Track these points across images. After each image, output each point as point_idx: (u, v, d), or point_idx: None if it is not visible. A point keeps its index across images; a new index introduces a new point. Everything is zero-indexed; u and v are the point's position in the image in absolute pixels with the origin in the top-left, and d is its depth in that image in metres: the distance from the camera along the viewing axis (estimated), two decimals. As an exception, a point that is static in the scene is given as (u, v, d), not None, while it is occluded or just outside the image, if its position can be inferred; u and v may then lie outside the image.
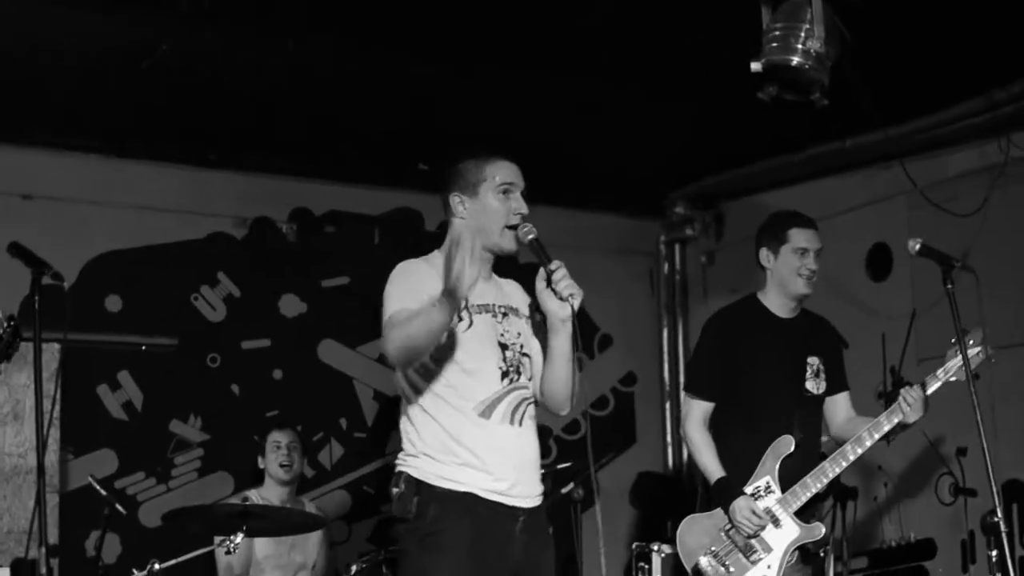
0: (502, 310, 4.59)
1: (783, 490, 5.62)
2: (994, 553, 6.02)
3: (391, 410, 8.68)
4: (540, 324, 4.57)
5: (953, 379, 5.56)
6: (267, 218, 8.56)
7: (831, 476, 5.63)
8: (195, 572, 6.58)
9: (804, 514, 5.64)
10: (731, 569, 5.59)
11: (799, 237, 5.79)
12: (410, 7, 6.43)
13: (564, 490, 7.16)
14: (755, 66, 5.61)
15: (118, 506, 6.65)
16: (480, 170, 4.55)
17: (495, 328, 4.53)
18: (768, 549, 5.58)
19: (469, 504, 4.39)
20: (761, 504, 5.59)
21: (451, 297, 4.11)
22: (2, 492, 7.45)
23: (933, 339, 7.63)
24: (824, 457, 5.67)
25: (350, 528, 8.52)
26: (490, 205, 4.48)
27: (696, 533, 5.72)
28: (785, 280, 5.79)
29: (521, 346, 4.58)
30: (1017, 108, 7.13)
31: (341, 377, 8.67)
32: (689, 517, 5.80)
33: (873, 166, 8.24)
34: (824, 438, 5.93)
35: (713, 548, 5.64)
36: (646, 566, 6.62)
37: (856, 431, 5.66)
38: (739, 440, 5.72)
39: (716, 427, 5.84)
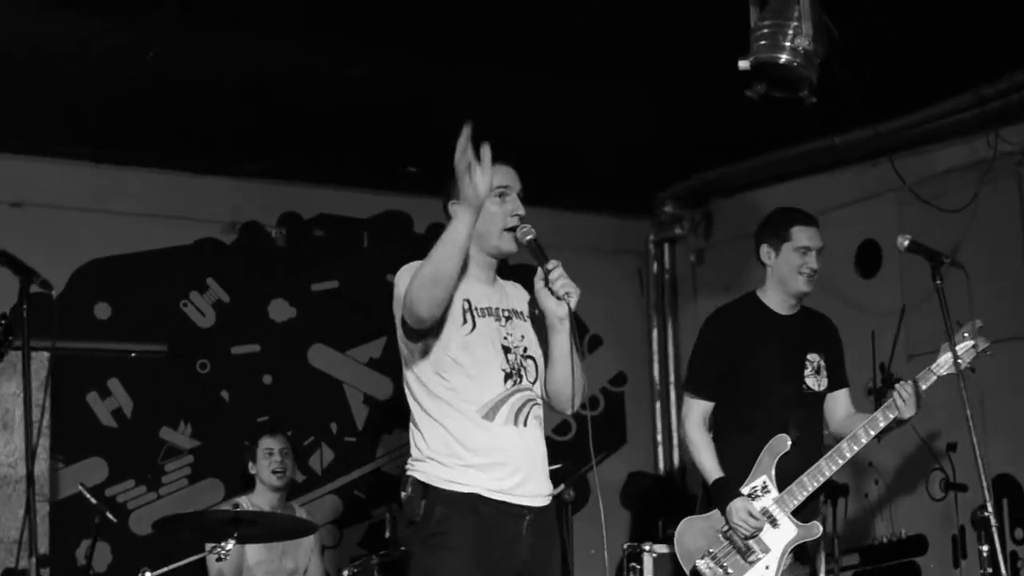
0: (505, 313, 4.62)
1: (781, 489, 5.60)
2: (985, 548, 6.04)
3: (381, 414, 8.69)
4: (539, 319, 4.60)
5: (946, 373, 5.55)
6: (256, 223, 8.55)
7: (828, 474, 5.61)
8: (187, 579, 6.58)
9: (803, 512, 5.62)
10: (729, 571, 5.58)
11: (802, 235, 5.77)
12: (399, 8, 6.42)
13: (555, 491, 7.16)
14: (743, 64, 5.61)
15: (109, 514, 6.63)
16: None
17: (498, 331, 4.55)
18: (766, 550, 5.57)
19: (474, 504, 4.40)
20: (758, 504, 5.57)
21: (468, 204, 4.19)
22: (-8, 502, 7.45)
23: (923, 335, 7.64)
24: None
25: (341, 533, 8.51)
26: (487, 210, 4.46)
27: (694, 535, 5.70)
28: (786, 278, 5.77)
29: (525, 349, 4.61)
30: (1005, 103, 7.14)
31: (331, 381, 8.66)
32: (687, 519, 5.78)
33: (862, 163, 8.25)
34: (823, 431, 5.91)
35: (711, 550, 5.62)
36: (637, 566, 6.62)
37: (854, 428, 5.64)
38: (738, 439, 5.71)
39: (717, 426, 5.84)
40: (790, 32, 5.49)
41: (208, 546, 5.86)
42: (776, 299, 5.83)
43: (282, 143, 8.06)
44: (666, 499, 9.30)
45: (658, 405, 9.67)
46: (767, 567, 5.56)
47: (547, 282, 4.44)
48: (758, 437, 5.64)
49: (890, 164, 7.99)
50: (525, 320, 4.67)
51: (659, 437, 9.66)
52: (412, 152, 8.32)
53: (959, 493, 7.18)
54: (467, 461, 4.42)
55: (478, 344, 4.49)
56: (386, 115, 7.62)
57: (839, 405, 5.90)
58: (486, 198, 4.26)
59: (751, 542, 5.57)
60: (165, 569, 5.72)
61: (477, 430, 4.43)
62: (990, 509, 5.03)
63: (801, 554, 5.70)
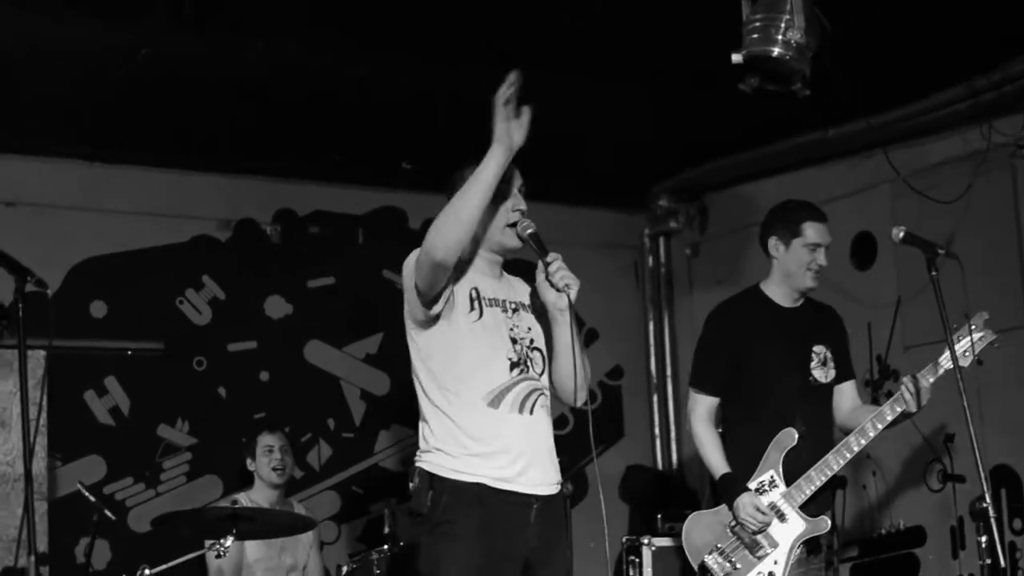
0: (512, 306, 4.68)
1: (789, 484, 5.56)
2: (983, 539, 6.06)
3: (379, 410, 8.70)
4: (540, 310, 4.66)
5: (953, 366, 5.52)
6: (251, 220, 8.55)
7: (836, 468, 5.57)
8: (186, 576, 6.59)
9: (812, 506, 5.58)
10: (738, 566, 5.54)
11: (813, 232, 5.73)
12: (395, 7, 6.42)
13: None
14: (736, 58, 5.61)
15: (107, 512, 6.63)
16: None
17: (505, 322, 4.61)
18: (774, 544, 5.53)
19: (479, 494, 4.44)
20: (765, 499, 5.53)
21: (501, 144, 4.24)
22: (-9, 501, 7.45)
23: (919, 327, 7.66)
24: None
25: (339, 528, 8.51)
26: (489, 208, 4.50)
27: (701, 530, 5.67)
28: (793, 273, 5.73)
29: (531, 341, 4.66)
30: (998, 95, 7.14)
31: (328, 378, 8.66)
32: (694, 514, 5.76)
33: (856, 155, 8.26)
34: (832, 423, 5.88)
35: (719, 545, 5.59)
36: (636, 559, 6.63)
37: (860, 421, 5.61)
38: (745, 433, 5.69)
39: (725, 421, 5.82)
40: (782, 25, 5.50)
41: (207, 543, 5.87)
42: (780, 292, 5.80)
43: (277, 140, 8.05)
44: (664, 492, 9.31)
45: (655, 398, 9.69)
46: (776, 562, 5.52)
47: (547, 275, 4.49)
48: (764, 431, 5.61)
49: (884, 156, 7.99)
50: (531, 313, 4.73)
51: (657, 430, 9.67)
52: (407, 148, 8.33)
53: (957, 484, 7.19)
54: (472, 450, 4.46)
55: (485, 332, 4.55)
56: (380, 112, 7.62)
57: (845, 397, 5.86)
58: (518, 146, 4.29)
59: (759, 537, 5.53)
60: (164, 566, 5.73)
61: (482, 417, 4.48)
62: (988, 500, 5.01)
63: (813, 547, 5.66)
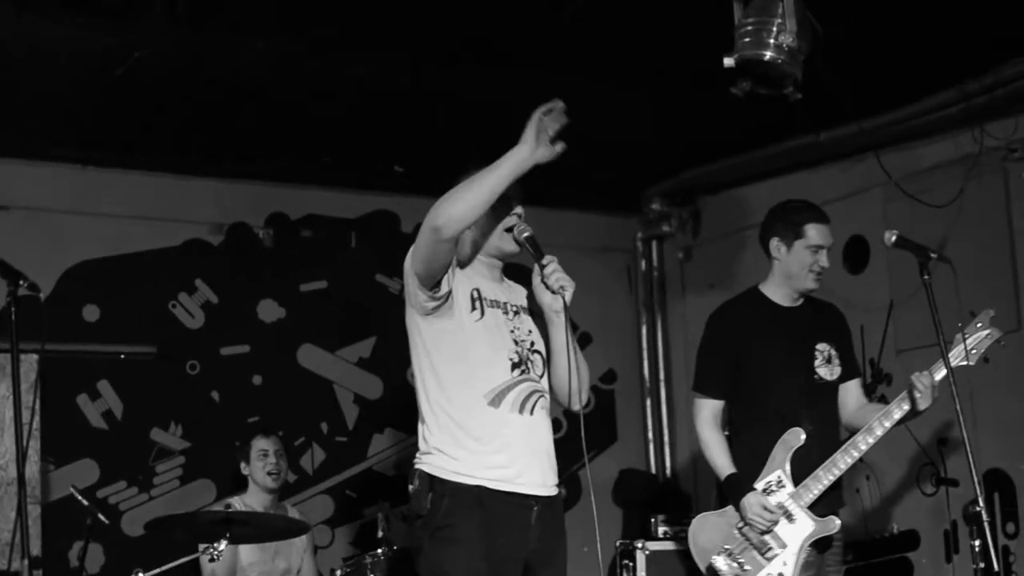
0: (513, 308, 4.75)
1: (796, 483, 5.55)
2: (977, 543, 6.05)
3: (372, 414, 8.69)
4: (538, 315, 4.74)
5: (961, 363, 5.49)
6: (244, 224, 8.54)
7: (843, 468, 5.55)
8: (179, 581, 6.58)
9: (820, 506, 5.55)
10: (746, 567, 5.52)
11: (815, 233, 5.72)
12: (392, 9, 6.41)
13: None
14: (728, 61, 5.61)
15: (100, 516, 6.62)
16: None
17: (506, 323, 4.67)
18: (783, 545, 5.52)
19: (479, 497, 4.48)
20: (773, 499, 5.51)
21: (529, 148, 4.30)
22: (-17, 504, 7.43)
23: (911, 331, 7.67)
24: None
25: (333, 533, 8.50)
26: (486, 212, 4.53)
27: (708, 532, 5.66)
28: (794, 274, 5.73)
29: (532, 343, 4.73)
30: (990, 99, 7.15)
31: (321, 381, 8.65)
32: (700, 516, 5.76)
33: (848, 159, 8.25)
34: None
35: (727, 547, 5.57)
36: (630, 564, 6.63)
37: (867, 420, 5.59)
38: (751, 434, 5.68)
39: (732, 424, 5.81)
40: (774, 29, 5.49)
41: (201, 547, 5.87)
42: (780, 293, 5.79)
43: (269, 144, 8.05)
44: (657, 496, 9.31)
45: (648, 402, 9.68)
46: (784, 563, 5.50)
47: (543, 277, 4.55)
48: (770, 432, 5.60)
49: (876, 160, 8.00)
50: (533, 316, 4.79)
51: (650, 434, 9.66)
52: (399, 152, 8.33)
53: (950, 488, 7.19)
54: (471, 450, 4.50)
55: (487, 332, 4.60)
56: (372, 115, 7.62)
57: (850, 396, 5.84)
58: (536, 161, 4.33)
59: (767, 537, 5.52)
60: (158, 570, 5.71)
61: (482, 415, 4.52)
62: (981, 504, 5.02)
63: (821, 548, 5.61)
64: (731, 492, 5.61)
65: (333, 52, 6.87)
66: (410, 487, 4.59)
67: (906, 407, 5.52)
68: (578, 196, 9.33)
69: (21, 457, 4.44)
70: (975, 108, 7.24)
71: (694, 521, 5.76)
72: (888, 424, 5.54)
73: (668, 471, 9.59)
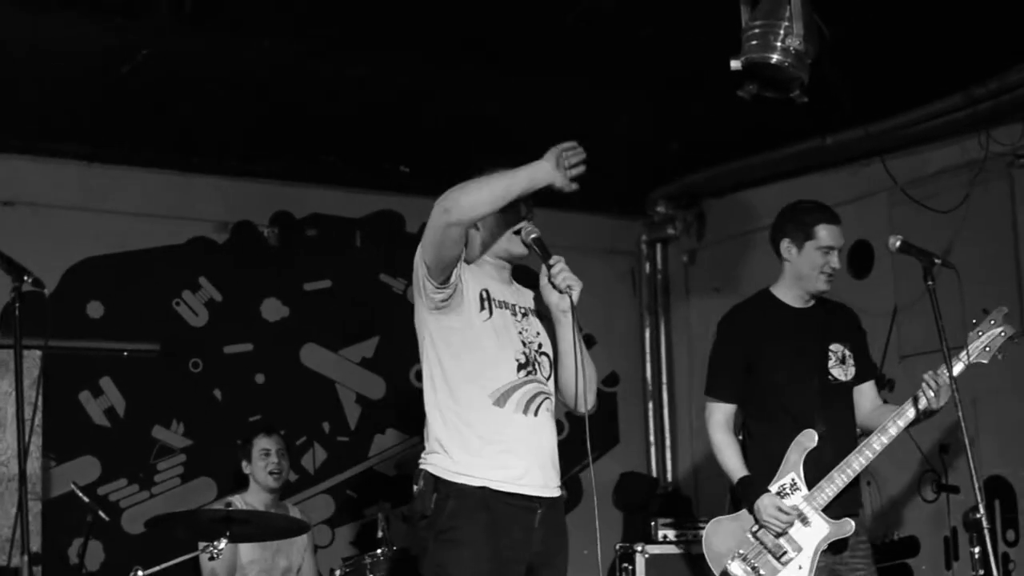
0: (522, 310, 4.78)
1: (810, 486, 5.50)
2: (977, 550, 6.04)
3: (374, 414, 8.69)
4: (544, 314, 4.78)
5: (976, 361, 5.48)
6: (248, 222, 8.54)
7: (858, 469, 5.49)
8: (179, 578, 6.57)
9: (836, 508, 5.49)
10: (761, 572, 5.47)
11: (827, 234, 5.67)
12: (394, 9, 6.42)
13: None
14: (735, 64, 5.60)
15: (101, 513, 6.61)
16: None
17: (515, 324, 4.70)
18: (798, 548, 5.46)
19: (483, 499, 4.49)
20: (787, 502, 5.46)
21: (547, 169, 4.47)
22: (-16, 500, 7.43)
23: (915, 336, 7.66)
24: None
25: (333, 532, 8.50)
26: (495, 215, 4.60)
27: (722, 536, 5.60)
28: (805, 276, 5.68)
29: (539, 345, 4.75)
30: (996, 104, 7.15)
31: (324, 381, 8.65)
32: (714, 520, 5.69)
33: (854, 163, 8.25)
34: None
35: (741, 551, 5.52)
36: (630, 567, 6.63)
37: (882, 420, 5.54)
38: (764, 437, 5.63)
39: (744, 426, 5.76)
40: (781, 32, 5.48)
41: (201, 545, 5.87)
42: (791, 294, 5.75)
43: (275, 143, 8.06)
44: (658, 500, 9.30)
45: (651, 405, 9.67)
46: (800, 567, 5.44)
47: (550, 277, 4.61)
48: (783, 434, 5.55)
49: (882, 164, 7.99)
50: (541, 319, 4.82)
51: (652, 438, 9.66)
52: (404, 152, 8.33)
53: (951, 495, 7.17)
54: (475, 451, 4.51)
55: (494, 331, 4.63)
56: (378, 115, 7.63)
57: (865, 397, 5.78)
58: (552, 182, 4.51)
59: (782, 541, 5.47)
60: (158, 568, 5.71)
61: (487, 415, 4.53)
62: (982, 511, 5.00)
63: (836, 551, 5.54)
64: (745, 495, 5.56)
65: (338, 53, 6.88)
66: (414, 487, 4.60)
67: (921, 406, 5.45)
68: (582, 198, 9.29)
69: (22, 453, 4.43)
70: (981, 113, 7.24)
71: (708, 526, 5.70)
72: (903, 424, 5.48)
73: (669, 474, 9.58)
